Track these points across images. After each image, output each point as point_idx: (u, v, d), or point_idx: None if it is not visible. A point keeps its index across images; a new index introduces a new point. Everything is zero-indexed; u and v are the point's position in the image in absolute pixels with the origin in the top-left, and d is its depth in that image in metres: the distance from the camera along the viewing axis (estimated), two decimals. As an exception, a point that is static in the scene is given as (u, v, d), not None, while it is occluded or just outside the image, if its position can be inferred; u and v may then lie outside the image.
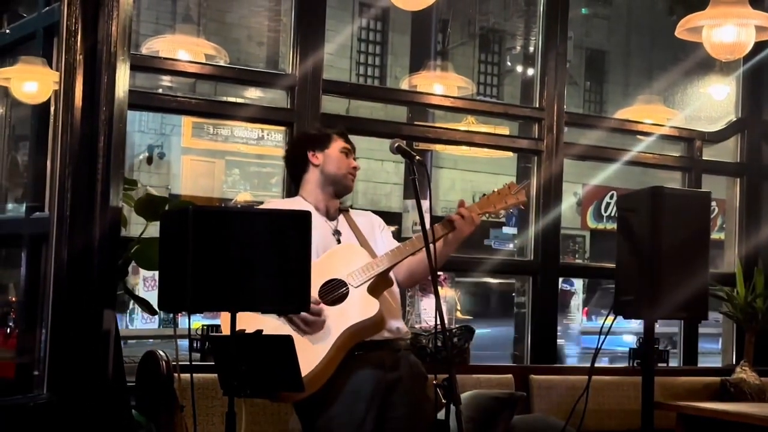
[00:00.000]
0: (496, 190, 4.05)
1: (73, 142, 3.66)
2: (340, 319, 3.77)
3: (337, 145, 4.10)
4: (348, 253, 3.91)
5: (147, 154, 18.60)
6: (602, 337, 4.35)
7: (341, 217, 4.13)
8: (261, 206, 4.23)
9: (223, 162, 17.93)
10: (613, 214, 25.31)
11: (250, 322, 3.50)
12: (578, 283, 20.17)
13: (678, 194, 4.30)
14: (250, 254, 3.30)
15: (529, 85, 10.70)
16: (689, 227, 4.16)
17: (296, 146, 4.24)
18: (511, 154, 7.89)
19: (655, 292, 4.12)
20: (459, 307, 11.48)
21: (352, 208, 4.30)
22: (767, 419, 4.61)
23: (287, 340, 3.48)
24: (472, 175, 21.95)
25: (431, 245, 3.58)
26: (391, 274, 4.03)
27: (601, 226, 25.44)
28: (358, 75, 22.62)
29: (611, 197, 24.72)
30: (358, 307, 3.79)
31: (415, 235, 3.94)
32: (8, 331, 4.64)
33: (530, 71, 11.73)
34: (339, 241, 4.03)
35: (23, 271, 3.95)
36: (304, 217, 3.38)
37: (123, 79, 3.84)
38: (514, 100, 22.16)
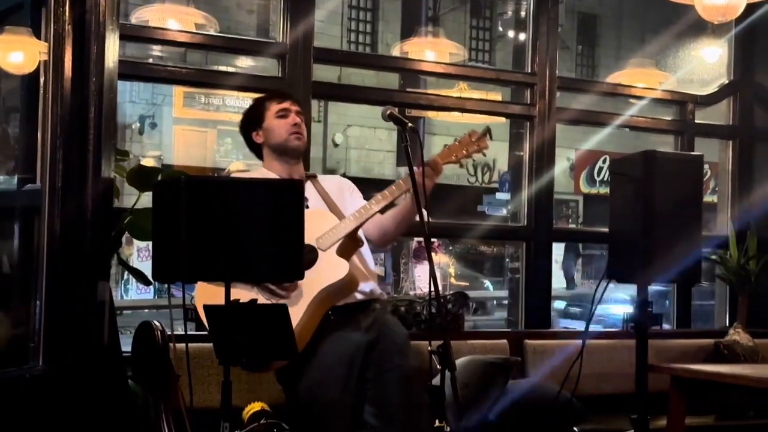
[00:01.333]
0: (457, 139, 3.99)
1: (64, 113, 3.64)
2: (311, 283, 3.77)
3: (272, 111, 4.09)
4: (315, 219, 3.87)
5: (138, 125, 18.56)
6: (596, 301, 4.36)
7: (308, 184, 4.10)
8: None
9: (215, 131, 17.89)
10: (606, 179, 25.32)
11: (217, 291, 3.48)
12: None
13: (670, 158, 4.28)
14: (244, 223, 3.29)
15: (521, 51, 10.64)
16: (682, 191, 4.15)
17: (243, 131, 4.23)
18: (503, 120, 7.86)
19: (648, 257, 4.11)
20: (453, 274, 11.52)
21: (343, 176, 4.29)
22: (760, 380, 4.61)
23: (282, 309, 3.49)
24: (464, 141, 21.90)
25: (423, 211, 3.55)
26: (362, 234, 4.03)
27: (594, 191, 25.46)
28: (349, 42, 22.54)
29: (604, 161, 24.73)
30: (328, 270, 3.80)
31: (386, 190, 3.89)
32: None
33: (522, 36, 11.66)
34: (307, 208, 3.96)
35: (16, 243, 3.93)
36: (297, 186, 3.37)
37: (112, 49, 3.82)
38: (506, 66, 22.10)
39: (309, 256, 3.80)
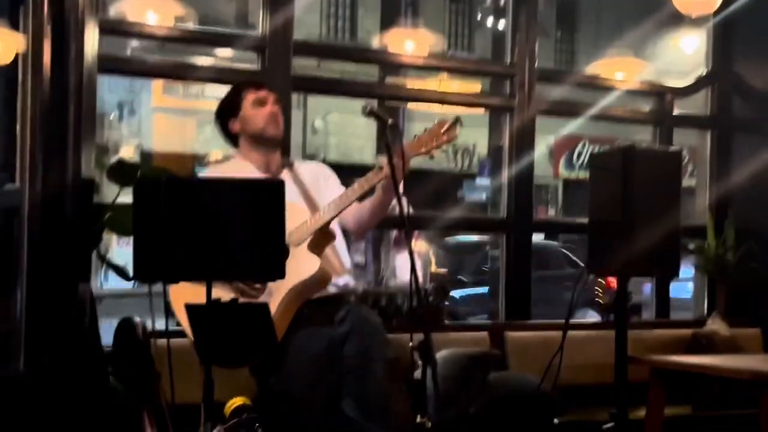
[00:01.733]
0: (426, 129, 3.92)
1: (43, 109, 3.64)
2: (282, 281, 3.73)
3: (248, 100, 4.11)
4: (287, 213, 3.87)
5: (117, 112, 18.46)
6: (576, 293, 4.40)
7: (285, 172, 4.10)
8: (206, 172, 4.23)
9: (194, 120, 17.81)
10: (585, 163, 25.40)
11: (191, 291, 3.48)
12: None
13: (650, 153, 4.31)
14: (225, 223, 3.31)
15: (500, 39, 10.67)
16: (661, 185, 4.18)
17: (219, 121, 4.21)
18: (482, 111, 7.90)
19: (627, 250, 4.14)
20: (433, 261, 11.58)
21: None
22: (737, 371, 4.66)
23: (263, 307, 3.50)
24: (444, 127, 21.91)
25: (403, 206, 3.57)
26: (336, 225, 4.02)
27: (573, 175, 25.52)
28: (328, 29, 22.47)
29: (583, 146, 24.80)
30: (300, 266, 3.80)
31: (356, 183, 3.87)
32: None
33: (501, 24, 11.68)
34: None
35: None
36: (277, 186, 3.38)
37: (92, 43, 3.81)
38: (486, 52, 22.11)
39: None
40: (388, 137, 3.79)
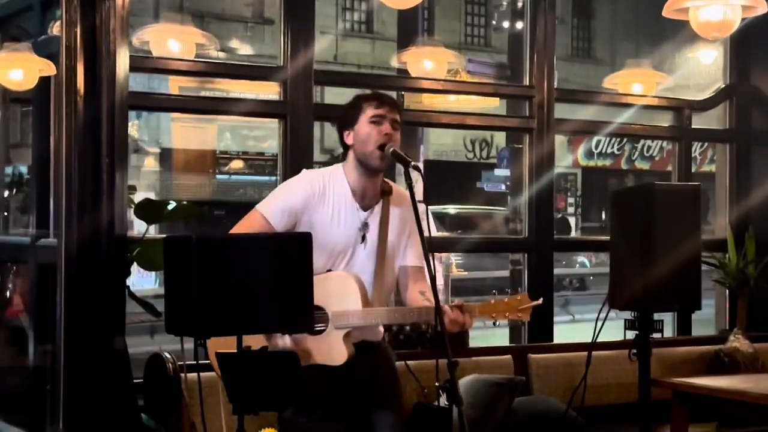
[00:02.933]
0: (506, 299, 3.85)
1: (79, 150, 3.68)
2: (307, 353, 3.78)
3: (367, 114, 3.89)
4: (342, 286, 3.83)
5: (135, 112, 18.55)
6: (599, 324, 4.46)
7: (377, 208, 3.96)
8: (293, 179, 4.03)
9: (215, 127, 17.84)
10: (603, 151, 25.40)
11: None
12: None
13: (669, 189, 4.37)
14: (253, 278, 3.38)
15: (518, 40, 10.69)
16: (681, 220, 4.24)
17: (338, 128, 4.04)
18: (497, 103, 7.91)
19: (649, 285, 4.21)
20: (455, 265, 11.66)
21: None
22: (759, 396, 4.72)
23: (292, 356, 3.58)
24: (462, 117, 21.93)
25: (425, 227, 3.60)
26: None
27: (591, 164, 25.53)
28: (344, 21, 22.52)
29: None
30: (327, 350, 3.79)
31: (420, 307, 3.86)
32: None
33: (519, 25, 11.69)
34: (363, 238, 3.91)
35: (32, 296, 4.02)
36: (304, 239, 3.46)
37: (124, 69, 3.86)
38: (503, 42, 22.10)
39: (320, 325, 3.79)
40: (411, 178, 3.83)
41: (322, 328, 3.79)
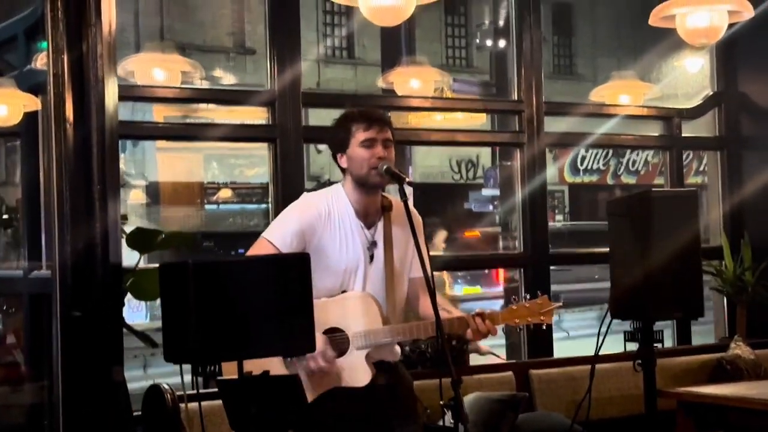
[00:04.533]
0: (527, 303, 3.86)
1: (70, 180, 3.63)
2: (330, 376, 3.73)
3: (357, 138, 3.80)
4: (362, 306, 3.79)
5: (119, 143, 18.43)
6: (601, 338, 4.41)
7: (380, 223, 3.91)
8: (296, 204, 3.93)
9: (200, 156, 17.77)
10: (589, 167, 25.43)
11: (255, 363, 3.49)
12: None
13: (666, 196, 4.35)
14: (252, 301, 3.30)
15: (502, 57, 10.68)
16: (679, 227, 4.19)
17: (330, 150, 3.97)
18: (484, 120, 7.88)
19: (650, 294, 4.16)
20: (448, 284, 11.62)
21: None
22: (765, 402, 4.69)
23: (293, 379, 3.52)
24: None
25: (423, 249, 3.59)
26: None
27: (578, 180, 25.54)
28: (326, 47, 22.52)
29: (586, 150, 24.80)
30: (351, 372, 3.75)
31: (430, 322, 3.78)
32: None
33: (501, 43, 11.69)
34: (372, 257, 3.85)
35: (26, 329, 3.96)
36: (303, 259, 3.40)
37: (113, 98, 3.82)
38: (484, 62, 22.12)
39: (340, 346, 3.75)
40: (406, 194, 3.80)
41: (345, 348, 3.74)
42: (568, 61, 26.44)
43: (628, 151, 24.31)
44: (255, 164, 17.07)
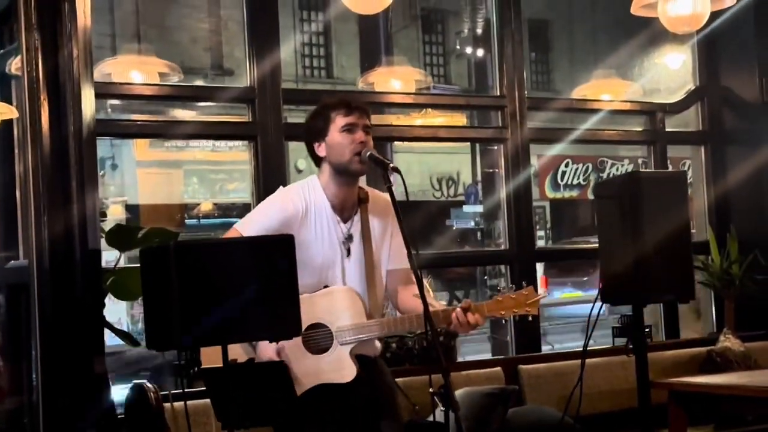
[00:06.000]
0: (512, 294, 3.78)
1: (45, 177, 3.55)
2: (314, 372, 3.67)
3: (337, 124, 3.75)
4: (345, 301, 3.73)
5: (99, 169, 18.35)
6: (591, 324, 4.34)
7: (357, 217, 3.85)
8: (272, 198, 3.87)
9: (181, 171, 17.66)
10: (569, 183, 25.45)
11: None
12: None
13: (654, 177, 4.30)
14: (236, 284, 3.22)
15: (482, 66, 10.66)
16: (668, 208, 4.15)
17: (306, 140, 3.91)
18: (464, 122, 7.85)
19: (641, 277, 4.11)
20: (431, 292, 11.46)
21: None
22: (757, 389, 4.63)
23: (281, 366, 3.44)
24: (428, 157, 21.95)
25: (413, 257, 3.50)
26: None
27: (559, 195, 25.53)
28: (304, 67, 22.49)
29: (566, 165, 24.83)
30: (336, 368, 3.68)
31: (416, 315, 3.70)
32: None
33: (480, 52, 11.69)
34: (348, 251, 3.80)
35: (3, 323, 3.86)
36: (287, 241, 3.32)
37: (89, 107, 3.75)
38: (463, 79, 22.15)
39: (324, 343, 3.69)
40: (390, 180, 3.73)
41: (328, 344, 3.69)
42: (546, 77, 26.50)
43: (608, 165, 24.36)
44: (237, 179, 16.98)
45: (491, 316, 3.80)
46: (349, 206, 3.85)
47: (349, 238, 3.83)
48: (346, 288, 3.78)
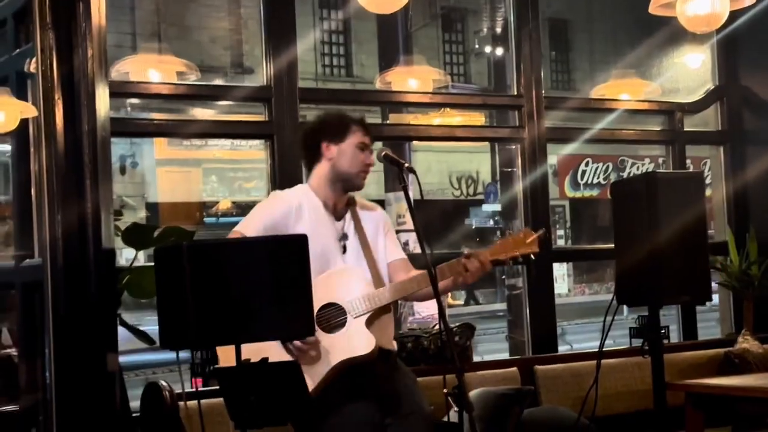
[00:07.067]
0: (511, 235, 3.85)
1: (59, 178, 3.55)
2: (335, 349, 3.68)
3: (355, 138, 3.87)
4: (349, 277, 3.80)
5: (119, 164, 18.43)
6: (607, 325, 4.32)
7: (348, 216, 3.95)
8: (266, 199, 4.02)
9: (200, 170, 17.71)
10: (589, 182, 25.38)
11: (252, 349, 3.42)
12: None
13: (671, 177, 4.26)
14: (249, 284, 3.24)
15: (501, 65, 10.64)
16: (685, 209, 4.12)
17: (312, 133, 3.98)
18: (483, 122, 7.84)
19: (657, 278, 4.08)
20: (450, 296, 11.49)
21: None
22: (775, 391, 4.60)
23: (294, 366, 3.43)
24: (447, 155, 21.96)
25: (431, 266, 3.53)
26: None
27: (579, 194, 25.47)
28: (323, 66, 22.52)
29: (586, 164, 24.78)
30: (356, 340, 3.70)
31: (421, 273, 3.76)
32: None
33: (499, 51, 11.66)
34: (345, 248, 3.88)
35: (19, 321, 3.86)
36: (301, 241, 3.32)
37: (104, 106, 3.75)
38: (482, 78, 22.12)
39: (338, 319, 3.72)
40: (405, 180, 3.77)
41: (343, 320, 3.72)
42: (566, 76, 26.44)
43: (629, 165, 24.27)
44: (255, 177, 17.02)
45: (495, 260, 3.83)
46: (340, 207, 3.96)
47: (344, 236, 3.92)
48: (343, 266, 3.86)
